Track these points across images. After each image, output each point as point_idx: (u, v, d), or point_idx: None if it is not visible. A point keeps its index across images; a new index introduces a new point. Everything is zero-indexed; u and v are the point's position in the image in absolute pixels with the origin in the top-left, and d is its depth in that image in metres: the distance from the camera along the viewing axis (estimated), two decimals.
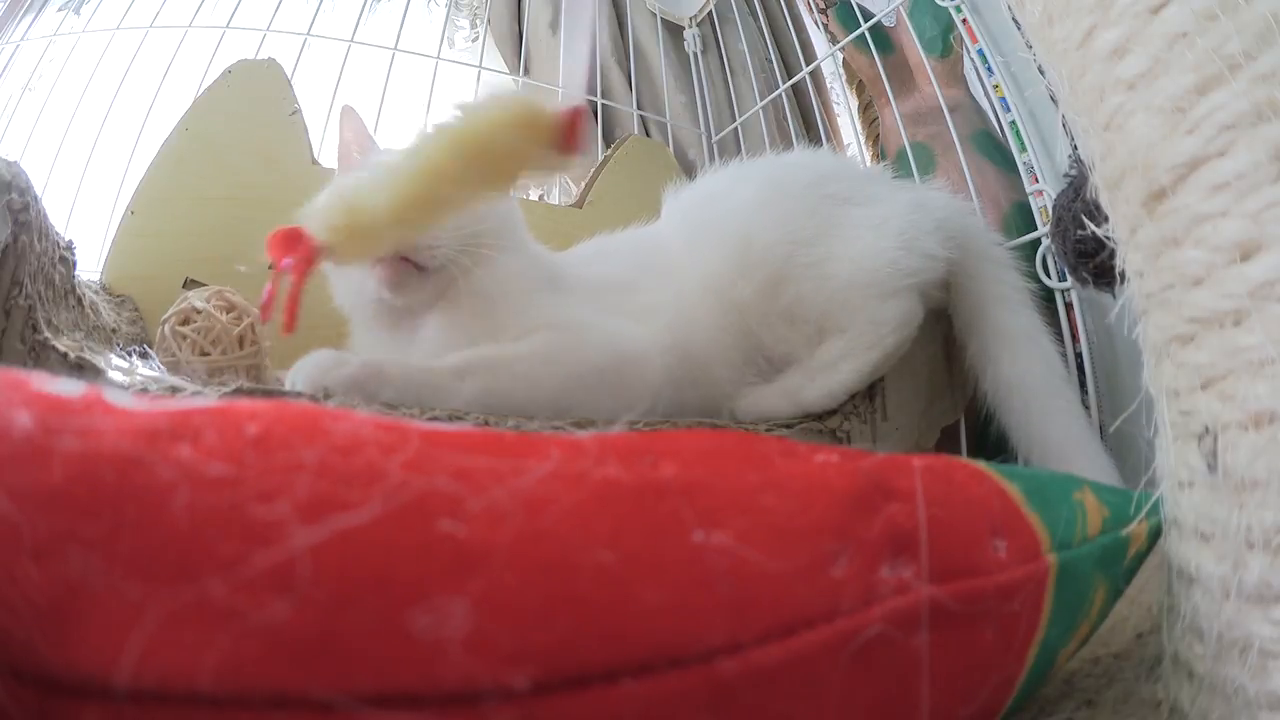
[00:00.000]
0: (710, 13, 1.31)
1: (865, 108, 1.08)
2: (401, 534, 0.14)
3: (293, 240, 0.44)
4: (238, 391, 0.41)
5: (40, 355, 0.45)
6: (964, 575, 0.20)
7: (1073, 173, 0.61)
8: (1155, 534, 0.29)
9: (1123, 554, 0.28)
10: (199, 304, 0.57)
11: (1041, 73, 0.74)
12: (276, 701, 0.13)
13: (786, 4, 1.27)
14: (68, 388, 0.16)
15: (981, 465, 0.25)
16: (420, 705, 0.13)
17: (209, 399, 0.17)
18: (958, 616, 0.20)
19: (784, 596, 0.17)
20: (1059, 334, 0.67)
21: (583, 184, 1.06)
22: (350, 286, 0.61)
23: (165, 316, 0.57)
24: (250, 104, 0.84)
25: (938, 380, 0.70)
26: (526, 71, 1.26)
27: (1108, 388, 0.71)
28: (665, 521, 0.17)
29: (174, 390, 0.42)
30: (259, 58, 0.88)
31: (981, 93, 0.91)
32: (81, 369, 0.44)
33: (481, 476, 0.16)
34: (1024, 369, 0.62)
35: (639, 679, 0.15)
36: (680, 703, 0.15)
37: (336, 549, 0.14)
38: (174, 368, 0.54)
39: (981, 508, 0.23)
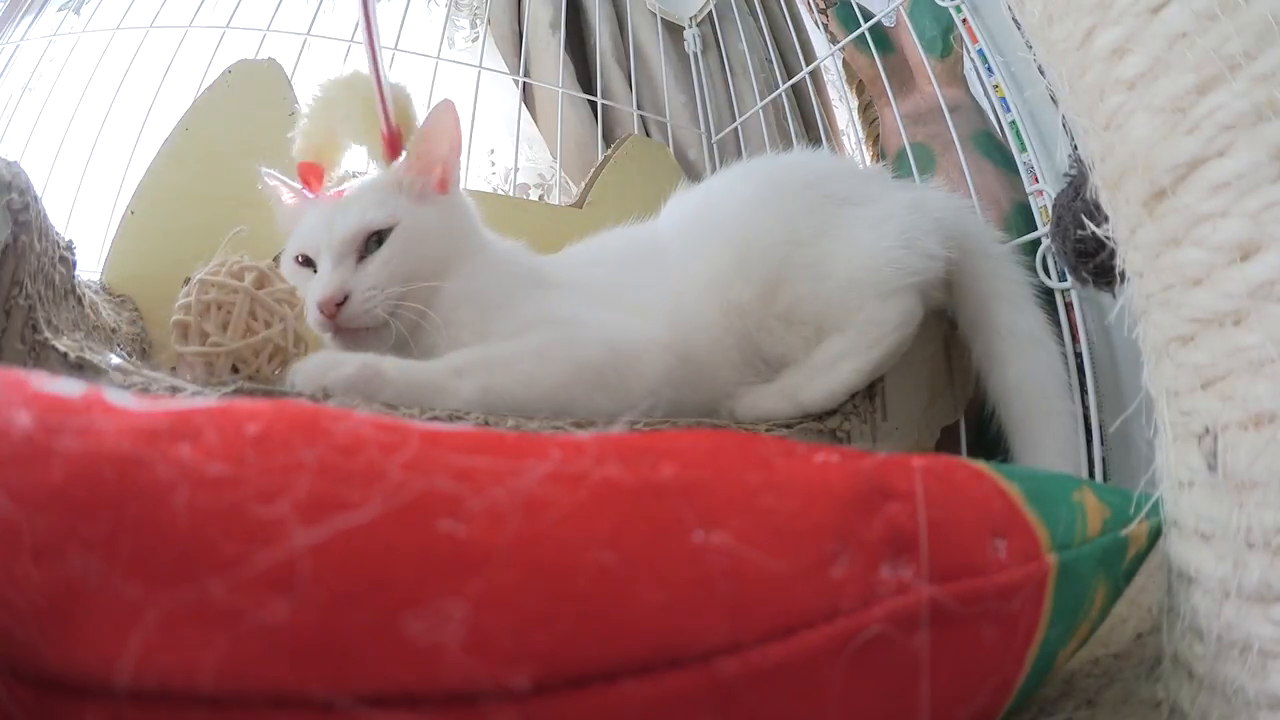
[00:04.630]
0: (710, 13, 1.31)
1: (865, 108, 1.08)
2: (401, 534, 0.14)
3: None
4: (238, 391, 0.41)
5: (40, 355, 0.45)
6: (964, 575, 0.20)
7: (1073, 173, 0.61)
8: (1155, 534, 0.29)
9: (1123, 554, 0.28)
10: (214, 279, 0.53)
11: (1041, 73, 0.73)
12: (276, 701, 0.13)
13: (786, 4, 1.27)
14: (68, 387, 0.16)
15: (981, 465, 0.25)
16: (420, 705, 0.13)
17: (209, 399, 0.17)
18: (958, 617, 0.20)
19: (784, 597, 0.17)
20: (1059, 334, 0.67)
21: (583, 184, 1.06)
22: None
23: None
24: (250, 104, 0.84)
25: (938, 380, 0.70)
26: (527, 72, 1.26)
27: (1108, 388, 0.71)
28: (665, 522, 0.17)
29: (174, 390, 0.42)
30: (259, 58, 0.88)
31: (981, 93, 0.91)
32: (81, 369, 0.44)
33: (481, 477, 0.16)
34: (1028, 372, 0.62)
35: (639, 679, 0.15)
36: (680, 703, 0.15)
37: (337, 549, 0.14)
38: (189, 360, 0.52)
39: (981, 508, 0.23)
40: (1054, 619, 0.24)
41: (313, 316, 0.58)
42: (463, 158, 0.81)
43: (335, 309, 0.56)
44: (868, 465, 0.21)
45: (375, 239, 0.60)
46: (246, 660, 0.13)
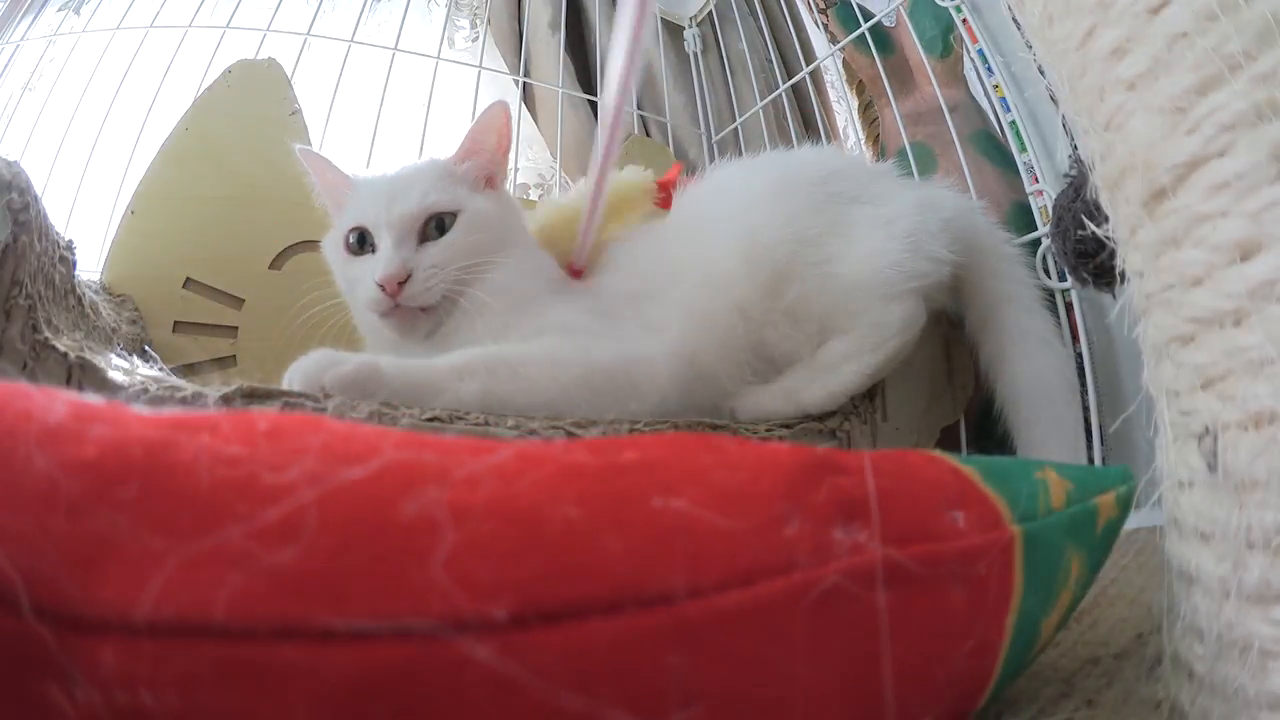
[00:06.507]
0: (710, 13, 1.31)
1: (865, 108, 1.08)
2: (394, 487, 0.17)
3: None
4: (238, 391, 0.41)
5: (40, 355, 0.45)
6: (921, 540, 0.21)
7: (1073, 173, 0.61)
8: (1124, 502, 0.29)
9: (1093, 523, 0.28)
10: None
11: (1041, 73, 0.74)
12: (281, 632, 0.14)
13: (786, 4, 1.27)
14: (94, 399, 0.18)
15: (936, 453, 0.26)
16: (410, 634, 0.15)
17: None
18: (919, 577, 0.20)
19: (739, 550, 0.18)
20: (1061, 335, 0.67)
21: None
22: (363, 318, 0.63)
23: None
24: (250, 104, 0.85)
25: (938, 380, 0.70)
26: (527, 72, 1.26)
27: (1108, 388, 0.71)
28: (626, 490, 0.18)
29: (174, 390, 0.42)
30: (259, 58, 0.89)
31: (981, 93, 0.92)
32: (82, 369, 0.44)
33: (461, 454, 0.18)
34: (1036, 375, 0.62)
35: (607, 617, 0.16)
36: (648, 640, 0.16)
37: (339, 498, 0.16)
38: None
39: (935, 484, 0.23)
40: (1029, 586, 0.24)
41: (372, 294, 0.58)
42: None
43: (398, 288, 0.57)
44: (818, 451, 0.22)
45: (435, 222, 0.61)
46: (257, 594, 0.14)
